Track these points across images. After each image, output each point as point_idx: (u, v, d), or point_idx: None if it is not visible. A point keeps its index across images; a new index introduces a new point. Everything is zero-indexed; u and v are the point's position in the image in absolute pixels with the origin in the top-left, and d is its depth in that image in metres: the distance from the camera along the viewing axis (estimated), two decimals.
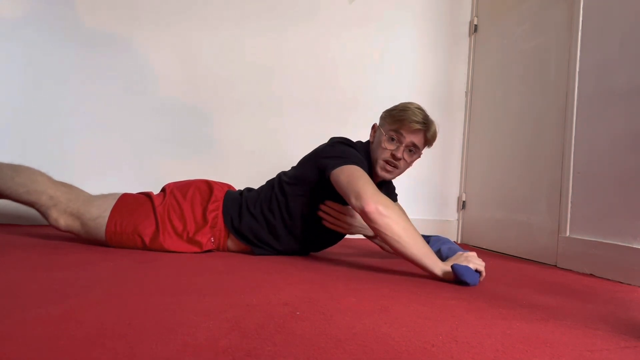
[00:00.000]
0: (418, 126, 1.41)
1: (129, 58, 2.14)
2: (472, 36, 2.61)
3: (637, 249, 1.41)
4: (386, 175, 1.48)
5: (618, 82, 1.56)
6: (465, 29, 2.64)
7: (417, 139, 1.44)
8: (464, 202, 2.57)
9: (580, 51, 1.75)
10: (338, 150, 1.41)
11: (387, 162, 1.45)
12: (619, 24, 1.58)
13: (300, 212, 1.46)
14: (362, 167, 1.35)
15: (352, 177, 1.29)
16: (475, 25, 2.59)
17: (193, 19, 2.23)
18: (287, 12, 2.36)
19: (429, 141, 1.48)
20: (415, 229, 1.24)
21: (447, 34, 2.61)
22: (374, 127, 1.54)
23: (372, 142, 1.52)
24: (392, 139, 1.44)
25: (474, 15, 2.61)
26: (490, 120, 2.40)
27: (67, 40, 2.05)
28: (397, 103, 1.51)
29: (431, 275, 1.23)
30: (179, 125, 2.21)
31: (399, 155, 1.43)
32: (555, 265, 1.76)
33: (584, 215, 1.67)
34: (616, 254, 1.47)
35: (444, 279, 1.20)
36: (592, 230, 1.62)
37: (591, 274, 1.57)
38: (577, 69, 1.75)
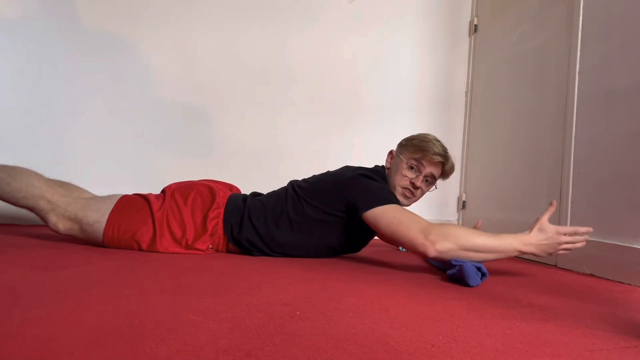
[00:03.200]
0: (439, 159, 1.46)
1: (129, 58, 2.14)
2: (472, 36, 2.61)
3: (637, 249, 1.41)
4: (403, 201, 1.50)
5: (618, 82, 1.56)
6: (465, 29, 2.64)
7: (435, 171, 1.49)
8: (464, 202, 2.57)
9: (580, 51, 1.74)
10: (366, 187, 1.40)
11: (405, 189, 1.48)
12: (619, 23, 1.58)
13: (318, 237, 1.46)
14: (394, 200, 1.36)
15: (393, 223, 1.29)
16: (475, 25, 2.59)
17: (193, 19, 2.23)
18: (287, 13, 2.36)
19: (446, 174, 1.52)
20: (469, 233, 1.25)
21: (447, 34, 2.61)
22: (391, 153, 1.56)
23: (389, 168, 1.54)
24: (412, 168, 1.48)
25: (474, 15, 2.61)
26: (490, 120, 2.40)
27: (67, 41, 2.05)
28: (416, 133, 1.56)
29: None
30: (179, 125, 2.21)
31: (417, 184, 1.47)
32: (555, 265, 1.76)
33: (584, 215, 1.67)
34: (616, 254, 1.47)
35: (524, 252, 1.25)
36: (592, 230, 1.62)
37: (591, 274, 1.57)
38: (577, 69, 1.75)
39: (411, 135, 1.55)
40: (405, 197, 1.49)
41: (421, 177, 1.47)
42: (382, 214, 1.31)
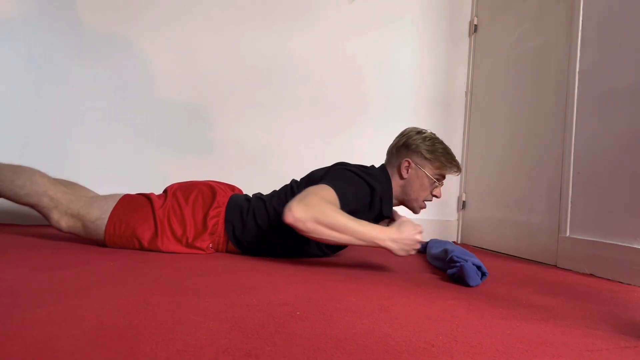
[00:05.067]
0: (460, 172, 1.55)
1: (129, 58, 2.14)
2: (472, 36, 2.61)
3: (637, 249, 1.41)
4: (419, 211, 1.57)
5: (618, 82, 1.56)
6: (465, 29, 2.64)
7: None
8: (464, 202, 2.57)
9: (580, 51, 1.75)
10: (336, 172, 1.40)
11: (427, 201, 1.55)
12: (619, 24, 1.58)
13: None
14: (344, 193, 1.30)
15: (307, 192, 1.25)
16: (475, 25, 2.59)
17: (194, 19, 2.23)
18: (287, 12, 2.36)
19: None
20: (334, 211, 1.20)
21: (447, 34, 2.61)
22: (407, 162, 1.51)
23: (406, 178, 1.52)
24: (435, 181, 1.53)
25: (474, 15, 2.61)
26: (490, 120, 2.40)
27: (68, 41, 2.05)
28: (426, 134, 1.56)
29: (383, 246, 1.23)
30: (179, 125, 2.21)
31: (440, 195, 1.55)
32: (555, 265, 1.76)
33: (584, 215, 1.67)
34: (616, 254, 1.47)
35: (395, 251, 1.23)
36: (592, 230, 1.62)
37: (591, 274, 1.57)
38: (577, 69, 1.75)
39: (424, 141, 1.51)
40: (424, 207, 1.56)
41: (440, 187, 1.55)
42: (314, 188, 1.28)
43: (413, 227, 1.26)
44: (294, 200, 1.22)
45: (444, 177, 1.54)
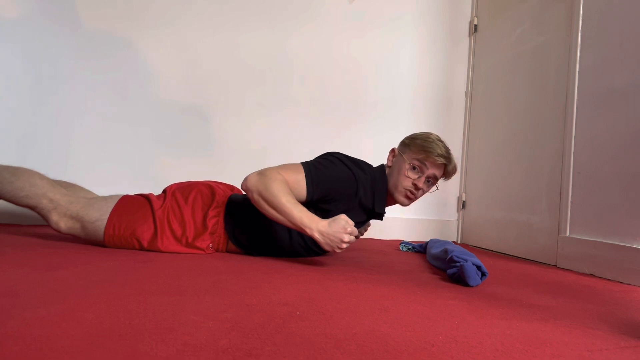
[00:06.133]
0: (442, 160, 1.44)
1: (129, 59, 2.14)
2: (472, 36, 2.61)
3: (637, 249, 1.41)
4: (405, 202, 1.49)
5: (618, 82, 1.56)
6: (465, 29, 2.64)
7: (438, 172, 1.47)
8: (464, 202, 2.57)
9: (580, 51, 1.75)
10: (319, 157, 1.45)
11: (407, 190, 1.46)
12: (619, 23, 1.58)
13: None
14: (318, 177, 1.36)
15: (273, 167, 1.35)
16: (475, 25, 2.59)
17: (193, 19, 2.23)
18: (286, 12, 2.36)
19: (448, 174, 1.50)
20: (281, 190, 1.28)
21: (447, 34, 2.61)
22: (393, 151, 1.54)
23: (391, 167, 1.51)
24: (415, 168, 1.46)
25: (474, 15, 2.61)
26: (490, 120, 2.40)
27: (68, 41, 2.05)
28: (418, 132, 1.55)
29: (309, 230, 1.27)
30: (179, 125, 2.21)
31: (420, 185, 1.45)
32: (555, 265, 1.76)
33: (584, 215, 1.67)
34: (616, 254, 1.47)
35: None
36: (592, 230, 1.62)
37: (591, 274, 1.57)
38: (577, 69, 1.75)
39: (414, 133, 1.53)
40: (407, 197, 1.47)
41: (423, 178, 1.45)
42: (284, 165, 1.38)
43: (344, 226, 1.25)
44: (256, 171, 1.33)
45: (424, 165, 1.44)
